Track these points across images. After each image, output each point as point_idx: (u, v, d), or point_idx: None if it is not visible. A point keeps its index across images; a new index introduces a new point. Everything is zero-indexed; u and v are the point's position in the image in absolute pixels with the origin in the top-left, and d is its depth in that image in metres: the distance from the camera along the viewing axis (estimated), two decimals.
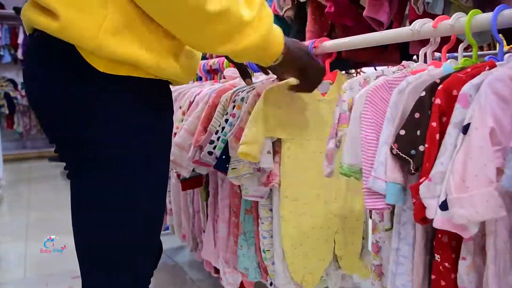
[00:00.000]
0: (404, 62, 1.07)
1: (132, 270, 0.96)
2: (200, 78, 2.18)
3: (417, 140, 0.81)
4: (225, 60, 1.85)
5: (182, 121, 1.66)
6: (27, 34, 0.92)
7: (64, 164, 0.97)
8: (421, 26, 1.04)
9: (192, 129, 1.54)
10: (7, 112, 6.95)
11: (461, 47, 1.00)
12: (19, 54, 7.05)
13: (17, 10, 6.47)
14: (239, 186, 1.52)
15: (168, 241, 3.01)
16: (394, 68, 1.06)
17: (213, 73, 2.07)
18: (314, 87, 1.21)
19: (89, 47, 0.80)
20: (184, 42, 0.93)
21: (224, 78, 1.88)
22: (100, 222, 0.91)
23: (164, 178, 0.99)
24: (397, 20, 1.34)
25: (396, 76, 0.97)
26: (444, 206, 0.73)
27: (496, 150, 0.71)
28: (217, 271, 1.77)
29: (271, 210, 1.38)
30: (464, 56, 0.99)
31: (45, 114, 0.92)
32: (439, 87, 0.80)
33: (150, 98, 0.92)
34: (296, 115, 1.33)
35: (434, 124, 0.78)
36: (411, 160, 0.82)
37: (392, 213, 1.01)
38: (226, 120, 1.37)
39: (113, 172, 0.89)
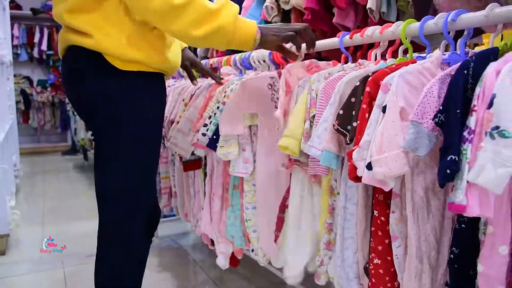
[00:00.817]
0: (360, 60, 1.32)
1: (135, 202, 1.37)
2: (203, 75, 2.45)
3: (352, 118, 1.07)
4: (223, 59, 2.11)
5: (184, 111, 1.93)
6: (62, 49, 1.34)
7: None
8: (372, 32, 1.29)
9: (192, 117, 1.81)
10: (23, 108, 7.22)
11: (401, 49, 1.26)
12: (35, 52, 7.29)
13: (34, 11, 6.74)
14: None
15: (172, 226, 3.28)
16: (352, 65, 1.32)
17: (213, 71, 2.33)
18: (311, 42, 1.40)
19: (115, 54, 1.24)
20: (167, 32, 1.29)
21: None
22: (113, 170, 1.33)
23: (157, 136, 1.41)
24: (363, 26, 1.59)
25: (347, 71, 1.23)
26: (369, 166, 0.99)
27: (406, 125, 0.97)
28: (213, 243, 2.01)
29: (254, 185, 1.63)
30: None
31: (82, 101, 1.34)
32: (370, 79, 1.06)
33: (153, 84, 1.35)
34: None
35: (364, 106, 1.04)
36: (347, 133, 1.07)
37: None
38: (218, 107, 1.63)
39: (129, 131, 1.31)
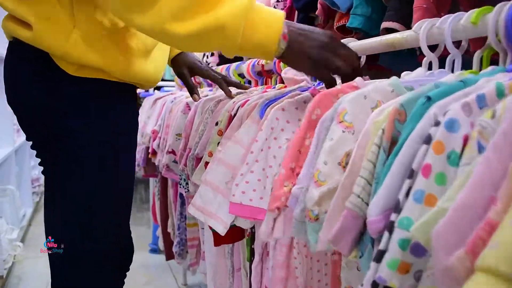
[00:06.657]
0: None
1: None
2: (249, 82, 1.64)
3: None
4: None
5: (218, 144, 1.11)
6: (8, 41, 1.04)
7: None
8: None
9: (234, 160, 0.99)
10: None
11: None
12: None
13: None
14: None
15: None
16: None
17: (266, 76, 1.53)
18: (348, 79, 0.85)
19: (58, 53, 0.94)
20: (133, 27, 0.88)
21: (282, 82, 1.32)
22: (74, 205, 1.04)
23: (128, 171, 1.10)
24: None
25: None
26: None
27: None
28: None
29: None
30: None
31: (24, 111, 1.03)
32: None
33: (116, 98, 1.03)
34: None
35: None
36: None
37: None
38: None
39: (80, 161, 1.01)
